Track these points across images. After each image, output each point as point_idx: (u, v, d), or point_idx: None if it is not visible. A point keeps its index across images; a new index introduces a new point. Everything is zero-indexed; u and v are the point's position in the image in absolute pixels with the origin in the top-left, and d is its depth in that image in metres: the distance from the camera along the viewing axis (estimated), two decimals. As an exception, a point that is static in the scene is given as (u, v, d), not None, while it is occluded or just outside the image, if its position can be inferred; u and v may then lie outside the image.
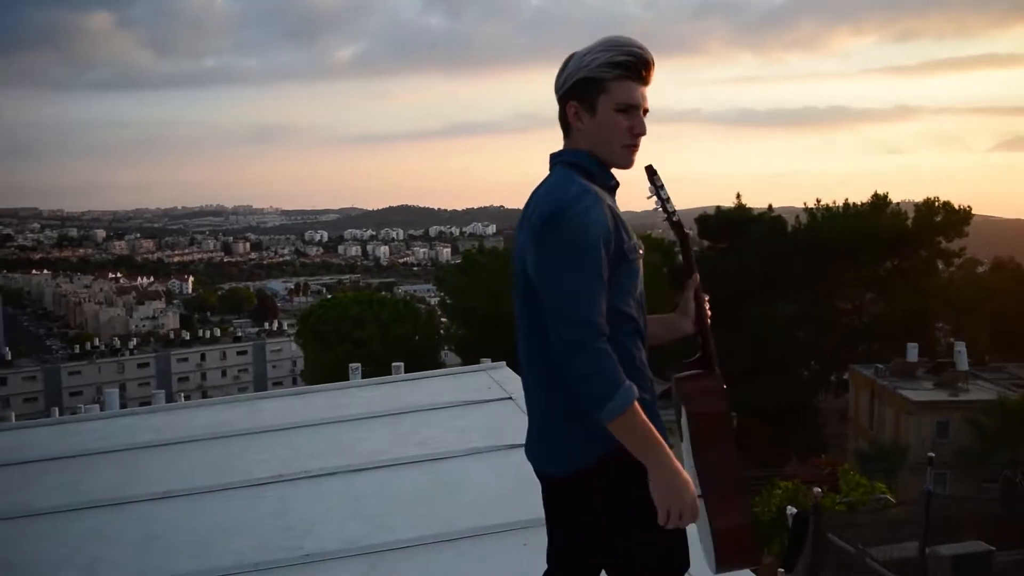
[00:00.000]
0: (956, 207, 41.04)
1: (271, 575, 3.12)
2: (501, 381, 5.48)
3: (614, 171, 2.05)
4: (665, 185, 2.11)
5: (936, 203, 41.16)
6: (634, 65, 1.96)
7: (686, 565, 2.03)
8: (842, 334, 40.00)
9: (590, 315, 1.82)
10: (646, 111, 2.01)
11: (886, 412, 32.03)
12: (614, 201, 2.02)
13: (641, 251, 2.01)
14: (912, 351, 33.37)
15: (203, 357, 77.06)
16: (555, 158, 2.06)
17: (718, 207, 42.57)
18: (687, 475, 1.86)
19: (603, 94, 1.96)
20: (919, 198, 42.36)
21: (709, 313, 2.24)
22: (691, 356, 2.16)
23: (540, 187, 2.02)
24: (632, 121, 1.98)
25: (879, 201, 40.95)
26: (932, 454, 14.46)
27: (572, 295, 1.84)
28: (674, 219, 2.16)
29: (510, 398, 5.02)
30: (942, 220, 40.83)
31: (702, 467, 2.00)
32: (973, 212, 43.08)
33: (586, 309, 1.82)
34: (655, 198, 2.12)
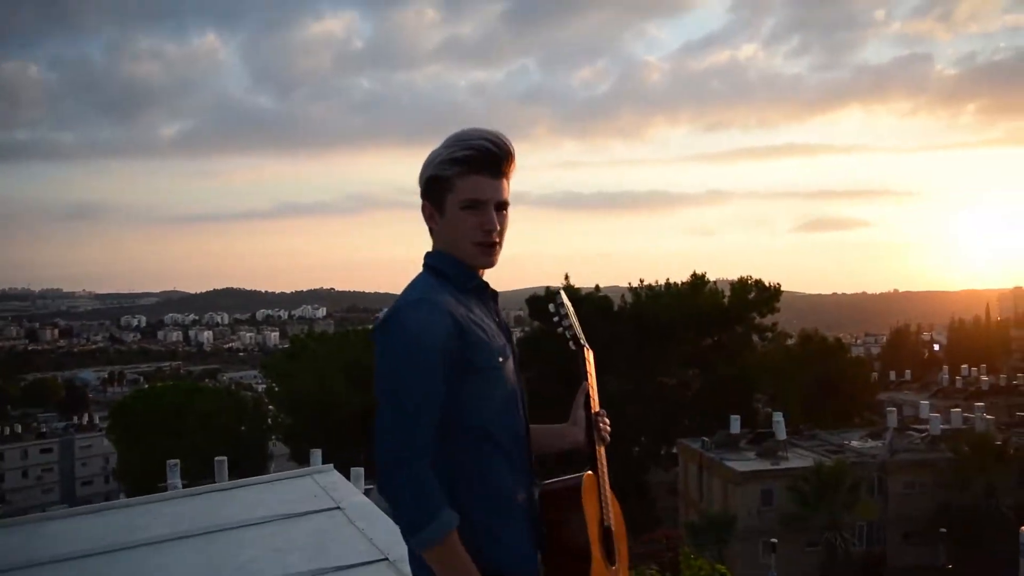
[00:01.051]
0: (767, 284, 43.74)
1: None
2: (328, 487, 5.00)
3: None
4: (567, 305, 2.05)
5: (749, 281, 43.70)
6: (478, 159, 1.85)
7: None
8: (669, 409, 41.27)
9: (407, 433, 1.71)
10: (503, 204, 1.89)
11: (714, 483, 33.04)
12: (481, 302, 1.92)
13: (504, 359, 1.86)
14: (735, 423, 34.83)
15: (0, 456, 70.24)
16: (424, 260, 1.96)
17: (547, 287, 43.41)
18: None
19: (449, 192, 1.87)
20: (733, 277, 45.01)
21: (607, 428, 2.10)
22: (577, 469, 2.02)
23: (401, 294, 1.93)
24: (481, 217, 1.86)
25: (698, 280, 43.09)
26: (775, 540, 14.78)
27: (393, 407, 1.73)
28: (568, 335, 2.06)
29: (338, 507, 4.54)
30: (755, 297, 43.37)
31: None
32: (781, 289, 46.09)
33: (404, 425, 1.72)
34: (556, 318, 2.04)
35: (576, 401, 2.11)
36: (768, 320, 44.34)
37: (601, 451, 2.03)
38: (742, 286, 43.56)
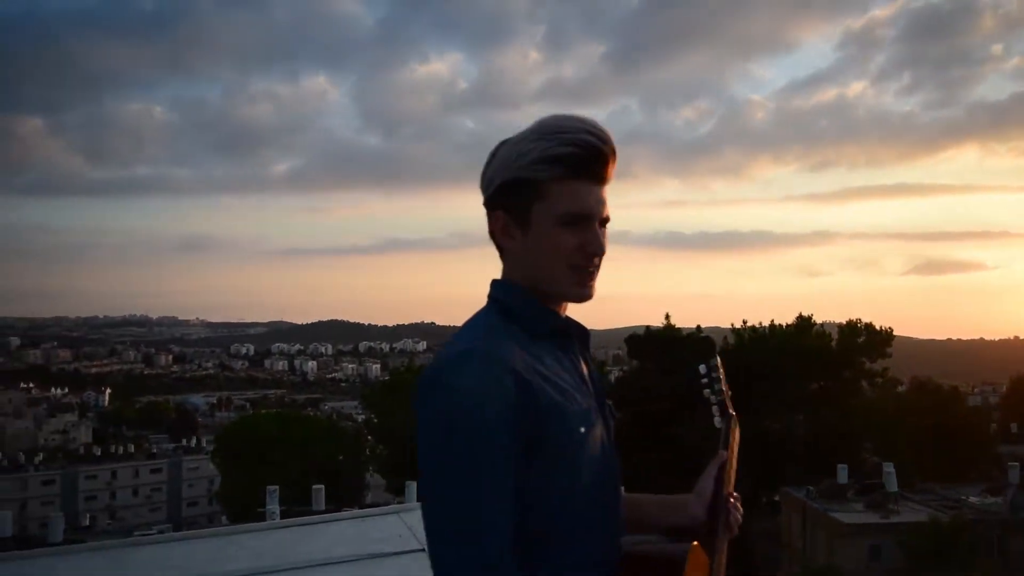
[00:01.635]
0: (878, 328, 42.04)
1: None
2: (414, 527, 4.83)
3: (569, 307, 1.50)
4: (721, 369, 1.74)
5: (859, 324, 42.12)
6: (582, 159, 1.40)
7: None
8: (772, 455, 39.89)
9: (483, 538, 1.22)
10: (606, 220, 1.45)
11: (818, 535, 31.63)
12: (561, 349, 1.44)
13: (588, 427, 1.37)
14: (842, 472, 33.39)
15: (114, 474, 73.20)
16: (490, 290, 1.50)
17: (647, 327, 42.79)
18: None
19: (539, 201, 1.40)
20: (839, 319, 43.45)
21: (739, 516, 1.66)
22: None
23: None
24: (584, 236, 1.41)
25: (804, 322, 41.76)
26: None
27: (453, 514, 1.24)
28: (716, 401, 1.75)
29: (423, 550, 4.38)
30: (865, 341, 41.72)
31: None
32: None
33: (475, 529, 1.22)
34: (707, 380, 1.74)
35: (707, 471, 1.65)
36: (878, 365, 42.55)
37: (723, 543, 1.59)
38: (851, 329, 42.01)
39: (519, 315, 1.42)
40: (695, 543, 1.48)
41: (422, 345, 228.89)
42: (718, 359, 1.76)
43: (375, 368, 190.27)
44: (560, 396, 1.34)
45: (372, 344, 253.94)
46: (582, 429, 1.35)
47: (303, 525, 5.20)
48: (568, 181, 1.40)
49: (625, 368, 50.74)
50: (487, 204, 1.47)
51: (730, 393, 1.75)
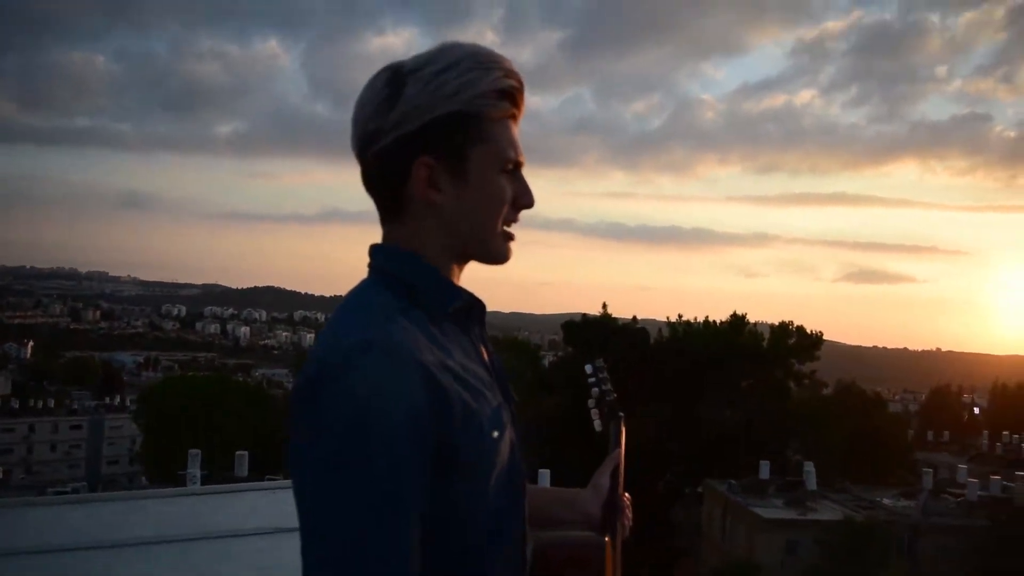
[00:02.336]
0: (808, 331, 42.89)
1: None
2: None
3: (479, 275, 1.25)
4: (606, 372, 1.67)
5: (790, 326, 42.90)
6: (520, 95, 1.18)
7: None
8: (698, 448, 40.52)
9: (383, 563, 0.95)
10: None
11: (738, 527, 32.24)
12: (458, 335, 1.16)
13: (500, 431, 1.12)
14: (764, 468, 34.03)
15: (31, 428, 71.21)
16: (372, 258, 1.19)
17: (584, 314, 42.99)
18: None
19: (480, 144, 1.13)
20: (773, 320, 44.22)
21: (628, 517, 1.55)
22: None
23: (334, 313, 1.15)
24: (518, 188, 1.19)
25: (737, 320, 42.40)
26: None
27: (351, 535, 0.95)
28: (606, 398, 1.66)
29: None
30: (795, 343, 42.54)
31: None
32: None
33: (376, 552, 0.95)
34: (594, 379, 1.67)
35: (602, 469, 1.53)
36: (807, 367, 43.44)
37: (618, 541, 1.45)
38: (783, 330, 42.78)
39: (422, 293, 1.14)
40: (607, 540, 1.34)
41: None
42: (602, 360, 1.67)
43: (309, 337, 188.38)
44: (473, 400, 1.08)
45: (307, 313, 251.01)
46: (495, 434, 1.11)
47: (213, 494, 4.98)
48: (508, 122, 1.17)
49: (559, 354, 50.95)
50: (397, 150, 1.13)
51: (615, 395, 1.65)
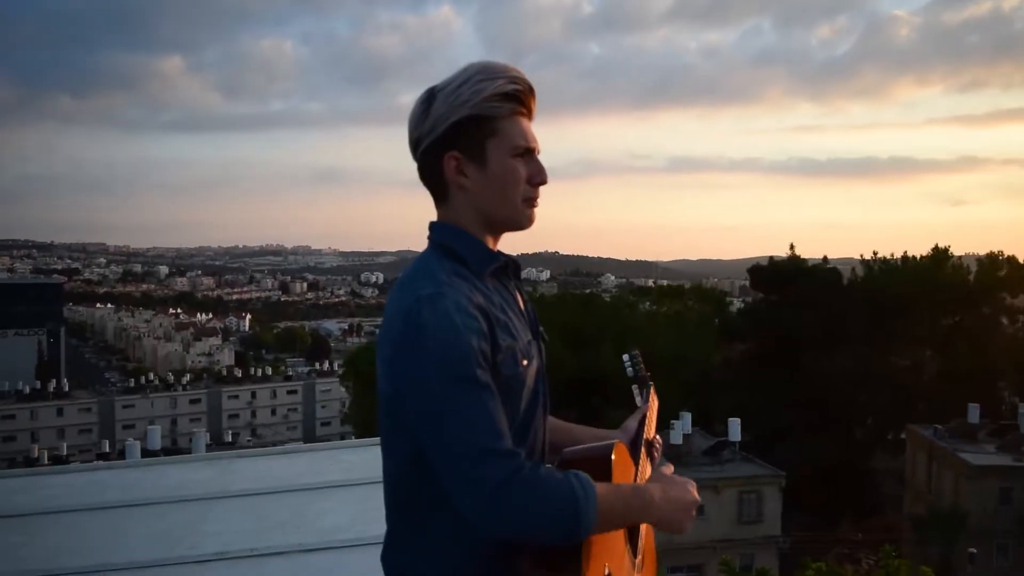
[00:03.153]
0: (1021, 261, 39.64)
1: None
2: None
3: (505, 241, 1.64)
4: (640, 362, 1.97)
5: (1000, 257, 39.83)
6: (524, 96, 1.54)
7: None
8: (899, 392, 38.60)
9: (496, 442, 1.36)
10: (539, 152, 1.59)
11: (945, 475, 30.65)
12: (500, 288, 1.57)
13: (528, 360, 1.52)
14: (973, 412, 32.03)
15: (254, 395, 77.64)
16: (430, 233, 1.61)
17: (771, 257, 41.73)
18: (678, 483, 1.61)
19: (493, 137, 1.52)
20: (983, 251, 41.08)
21: (658, 448, 1.85)
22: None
23: (401, 276, 1.58)
24: (532, 167, 1.56)
25: (939, 254, 39.77)
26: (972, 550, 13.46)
27: (466, 427, 1.37)
28: (638, 374, 1.96)
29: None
30: (1006, 275, 39.48)
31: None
32: (1040, 267, 41.65)
33: (489, 437, 1.36)
34: (631, 364, 1.96)
35: (632, 417, 1.86)
36: (1020, 301, 40.20)
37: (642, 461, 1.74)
38: (991, 262, 39.76)
39: (467, 258, 1.53)
40: (618, 441, 1.60)
41: (546, 274, 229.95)
42: (637, 351, 1.98)
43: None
44: (510, 336, 1.48)
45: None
46: (524, 363, 1.49)
47: (318, 451, 5.51)
48: (516, 117, 1.54)
49: (747, 300, 49.80)
50: (432, 149, 1.54)
51: (649, 373, 1.96)
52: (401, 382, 1.44)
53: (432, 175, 1.57)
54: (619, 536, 1.58)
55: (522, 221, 1.58)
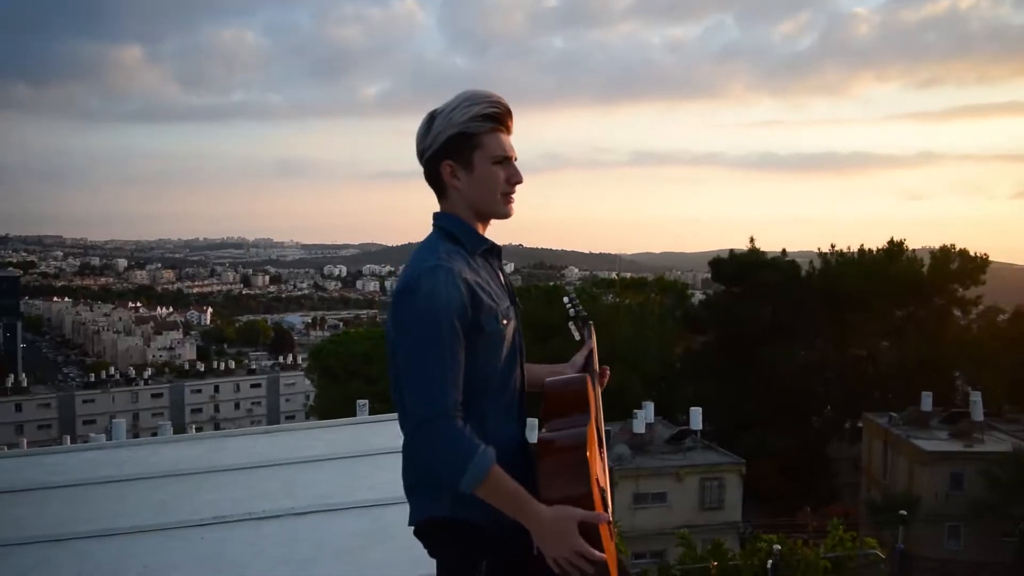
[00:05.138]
0: (973, 254, 40.72)
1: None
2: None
3: (494, 226, 2.11)
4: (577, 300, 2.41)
5: (952, 250, 40.85)
6: (501, 116, 2.00)
7: None
8: (856, 382, 39.56)
9: (437, 392, 1.82)
10: (515, 159, 2.05)
11: (899, 461, 31.52)
12: (486, 265, 2.05)
13: (508, 320, 2.00)
14: (926, 400, 32.90)
15: (217, 389, 77.21)
16: (434, 221, 2.08)
17: (732, 250, 42.42)
18: (566, 515, 1.82)
19: (478, 149, 1.98)
20: (938, 245, 42.01)
21: (605, 376, 2.36)
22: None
23: (412, 253, 2.04)
24: (509, 171, 2.02)
25: (894, 248, 40.70)
26: (903, 512, 14.19)
27: (419, 371, 1.84)
28: (577, 312, 2.38)
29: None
30: (958, 268, 40.49)
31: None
32: (992, 260, 42.76)
33: (432, 386, 1.83)
34: (569, 303, 2.40)
35: (579, 353, 2.31)
36: (972, 293, 41.27)
37: (596, 390, 2.19)
38: (944, 255, 40.77)
39: (461, 240, 2.01)
40: (587, 375, 2.14)
41: (510, 267, 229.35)
42: (574, 292, 2.54)
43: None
44: (491, 300, 1.96)
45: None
46: (504, 322, 1.98)
47: (374, 423, 5.82)
48: (495, 133, 2.00)
49: (708, 292, 50.54)
50: (433, 159, 2.02)
51: (584, 313, 2.40)
52: (396, 330, 1.91)
53: (434, 178, 2.05)
54: (596, 458, 1.98)
55: (503, 212, 2.05)
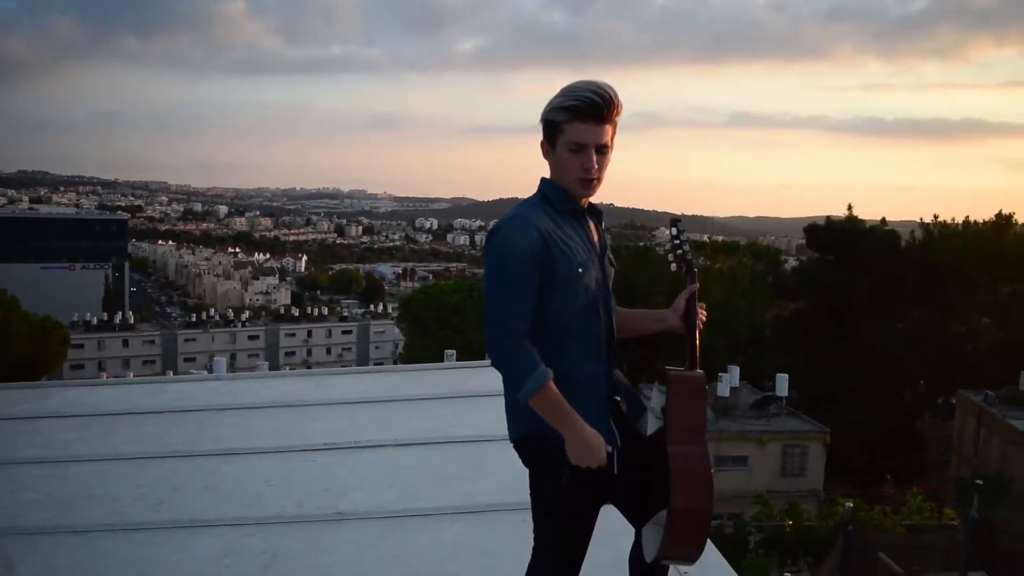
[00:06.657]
0: (1088, 231, 38.82)
1: (302, 527, 3.44)
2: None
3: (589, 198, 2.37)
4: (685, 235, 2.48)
5: (1065, 226, 39.02)
6: (583, 108, 2.23)
7: (574, 550, 2.34)
8: (953, 358, 38.35)
9: (505, 317, 2.18)
10: (604, 147, 2.28)
11: (992, 441, 30.67)
12: (576, 222, 2.34)
13: (585, 269, 2.28)
14: (1025, 379, 31.84)
15: (310, 333, 79.59)
16: (540, 183, 2.39)
17: (829, 217, 41.40)
18: (596, 433, 2.20)
19: (559, 135, 2.27)
20: (1052, 219, 40.13)
21: (703, 318, 2.45)
22: (682, 361, 2.39)
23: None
24: (583, 158, 2.26)
25: (1002, 221, 39.11)
26: (980, 480, 13.94)
27: (492, 299, 2.20)
28: (687, 257, 2.46)
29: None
30: (1071, 245, 38.67)
31: (674, 454, 2.22)
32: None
33: (502, 312, 2.18)
34: (678, 240, 2.46)
35: (681, 296, 2.44)
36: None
37: (696, 338, 2.38)
38: (1056, 231, 38.98)
39: (551, 199, 2.32)
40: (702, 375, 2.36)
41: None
42: (681, 223, 2.49)
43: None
44: (566, 248, 2.26)
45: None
46: (580, 270, 2.27)
47: (469, 368, 6.17)
48: (573, 123, 2.25)
49: (802, 259, 49.54)
50: (542, 136, 2.33)
51: (689, 250, 2.47)
52: (486, 266, 2.27)
53: (543, 152, 2.36)
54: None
55: (579, 193, 2.32)
